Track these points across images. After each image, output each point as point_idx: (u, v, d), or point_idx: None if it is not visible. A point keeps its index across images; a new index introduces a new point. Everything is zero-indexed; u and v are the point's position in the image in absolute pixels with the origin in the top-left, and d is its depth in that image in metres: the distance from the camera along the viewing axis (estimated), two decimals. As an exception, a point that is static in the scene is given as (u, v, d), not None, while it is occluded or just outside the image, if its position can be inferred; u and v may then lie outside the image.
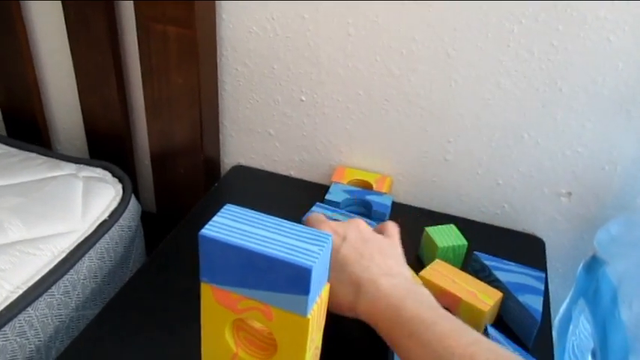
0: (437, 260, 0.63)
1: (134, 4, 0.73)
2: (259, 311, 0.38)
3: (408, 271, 0.53)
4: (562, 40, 0.65)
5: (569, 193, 0.75)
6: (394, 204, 0.75)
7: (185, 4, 0.69)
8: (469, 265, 0.66)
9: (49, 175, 0.78)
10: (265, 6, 0.73)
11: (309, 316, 0.37)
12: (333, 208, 0.70)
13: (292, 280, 0.35)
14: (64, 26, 0.81)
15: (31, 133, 0.94)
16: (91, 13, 0.77)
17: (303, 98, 0.79)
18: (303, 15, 0.73)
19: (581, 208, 0.75)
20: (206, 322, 0.41)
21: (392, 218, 0.73)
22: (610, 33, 0.64)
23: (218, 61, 0.79)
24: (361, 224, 0.56)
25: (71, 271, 0.66)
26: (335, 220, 0.59)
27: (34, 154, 0.84)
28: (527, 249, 0.74)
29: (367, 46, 0.72)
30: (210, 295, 0.39)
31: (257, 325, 0.42)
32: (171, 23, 0.71)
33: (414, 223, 0.71)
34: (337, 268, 0.50)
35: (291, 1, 0.72)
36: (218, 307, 0.39)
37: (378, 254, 0.52)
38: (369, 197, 0.74)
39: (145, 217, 0.84)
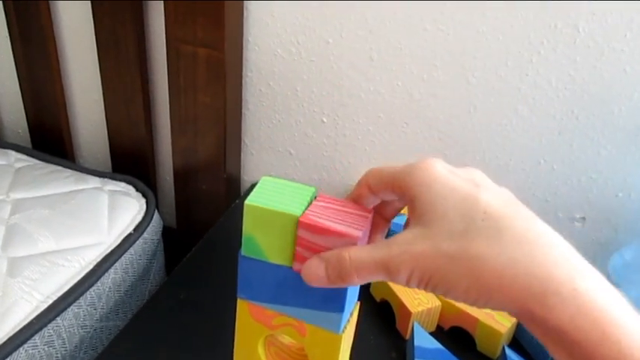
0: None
1: (165, 26, 0.75)
2: (293, 327, 0.40)
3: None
4: (579, 71, 0.68)
5: (583, 218, 0.76)
6: (411, 225, 0.77)
7: (215, 26, 0.72)
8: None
9: (76, 188, 0.80)
10: (291, 30, 0.76)
11: (341, 334, 0.38)
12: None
13: (327, 297, 0.37)
14: (95, 45, 0.84)
15: (56, 146, 0.96)
16: (122, 33, 0.80)
17: (325, 120, 0.81)
18: (327, 40, 0.75)
19: (595, 233, 0.77)
20: (240, 337, 0.42)
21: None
22: (626, 64, 0.66)
23: (243, 81, 0.82)
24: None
25: (97, 282, 0.68)
26: None
27: (60, 167, 0.87)
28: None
29: (389, 70, 0.75)
30: (246, 311, 0.41)
31: (287, 340, 0.43)
32: (200, 45, 0.74)
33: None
34: (479, 229, 0.29)
35: (316, 27, 0.75)
36: (253, 323, 0.41)
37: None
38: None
39: (165, 232, 0.86)
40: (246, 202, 0.36)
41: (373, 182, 0.35)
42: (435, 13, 0.69)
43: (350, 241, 0.34)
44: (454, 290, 0.29)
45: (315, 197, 0.38)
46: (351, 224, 0.35)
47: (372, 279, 0.33)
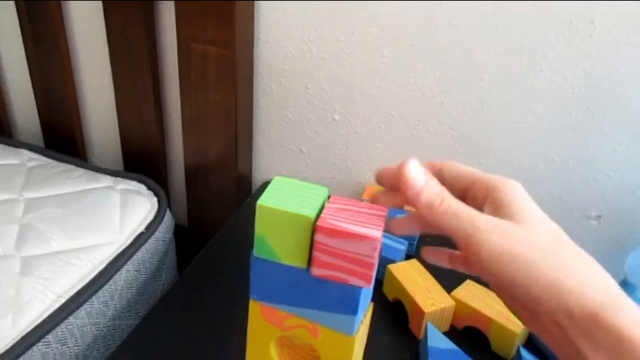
0: (468, 281, 0.64)
1: (176, 24, 0.75)
2: (305, 329, 0.39)
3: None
4: (594, 67, 0.67)
5: (599, 217, 0.75)
6: (424, 223, 0.76)
7: (226, 25, 0.72)
8: (500, 286, 0.66)
9: (88, 187, 0.81)
10: (302, 28, 0.76)
11: (355, 335, 0.38)
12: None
13: (341, 299, 0.37)
14: (106, 45, 0.84)
15: (68, 145, 0.97)
16: (133, 32, 0.80)
17: (336, 117, 0.81)
18: (339, 37, 0.75)
19: (611, 232, 0.75)
20: (252, 338, 0.42)
21: (422, 237, 0.74)
22: (643, 60, 0.65)
23: (254, 79, 0.81)
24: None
25: (110, 281, 0.68)
26: None
27: (72, 166, 0.87)
28: (556, 271, 0.74)
29: (401, 68, 0.74)
30: (258, 312, 0.40)
31: (299, 341, 0.43)
32: (211, 43, 0.74)
33: (443, 245, 0.72)
34: (563, 250, 0.32)
35: (327, 24, 0.74)
36: (265, 324, 0.41)
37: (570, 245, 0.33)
38: (400, 215, 0.75)
39: (177, 230, 0.86)
40: (259, 202, 0.36)
41: (449, 170, 0.37)
42: (447, 9, 0.68)
43: (371, 244, 0.34)
44: (533, 278, 0.31)
45: (328, 198, 0.38)
46: (369, 225, 0.35)
47: (452, 226, 0.33)
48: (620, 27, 0.64)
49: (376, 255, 0.34)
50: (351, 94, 0.78)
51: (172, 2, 0.74)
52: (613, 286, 0.31)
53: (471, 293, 0.62)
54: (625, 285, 0.69)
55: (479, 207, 0.34)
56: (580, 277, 0.31)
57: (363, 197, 0.80)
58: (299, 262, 0.36)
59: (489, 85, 0.71)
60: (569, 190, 0.74)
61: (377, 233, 0.33)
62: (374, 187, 0.82)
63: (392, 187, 0.38)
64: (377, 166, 0.81)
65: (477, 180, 0.35)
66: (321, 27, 0.75)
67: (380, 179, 0.38)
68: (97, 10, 0.83)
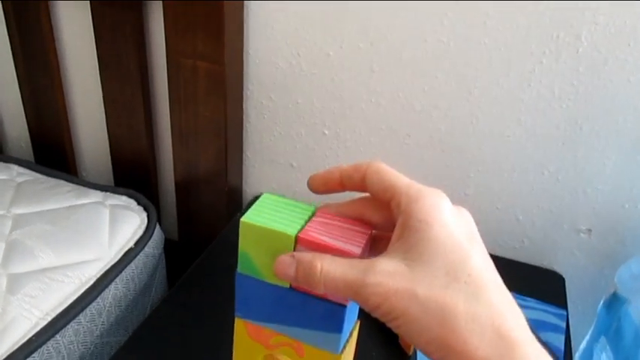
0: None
1: (166, 39, 0.75)
2: (291, 347, 0.39)
3: None
4: (582, 81, 0.67)
5: (590, 230, 0.75)
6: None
7: (215, 40, 0.72)
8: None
9: (77, 202, 0.80)
10: (292, 43, 0.76)
11: (341, 354, 0.37)
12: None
13: (326, 317, 0.36)
14: (97, 61, 0.84)
15: (58, 159, 0.96)
16: (123, 47, 0.80)
17: (326, 132, 0.81)
18: (328, 52, 0.75)
19: (602, 245, 0.75)
20: (238, 356, 0.42)
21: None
22: (630, 74, 0.65)
23: (244, 94, 0.81)
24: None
25: (98, 298, 0.67)
26: None
27: (61, 181, 0.86)
28: (546, 285, 0.74)
29: (390, 82, 0.74)
30: (243, 330, 0.40)
31: (286, 359, 0.42)
32: (200, 58, 0.74)
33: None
34: (459, 289, 0.29)
35: (316, 39, 0.74)
36: (250, 342, 0.40)
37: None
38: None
39: (167, 245, 0.85)
40: (242, 219, 0.36)
41: (370, 179, 0.35)
42: (435, 25, 0.69)
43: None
44: (416, 337, 0.30)
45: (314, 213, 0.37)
46: (350, 241, 0.34)
47: (339, 296, 0.32)
48: (606, 42, 0.64)
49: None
50: (340, 108, 0.78)
51: (162, 16, 0.74)
52: (513, 332, 0.29)
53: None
54: (615, 298, 0.69)
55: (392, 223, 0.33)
56: (466, 330, 0.28)
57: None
58: (282, 281, 0.36)
59: (478, 100, 0.72)
60: (559, 204, 0.74)
61: (357, 249, 0.33)
62: (364, 201, 0.82)
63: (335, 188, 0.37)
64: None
65: (393, 196, 0.33)
66: (311, 42, 0.75)
67: (320, 188, 0.37)
68: (87, 26, 0.83)
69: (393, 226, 0.33)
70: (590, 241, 0.75)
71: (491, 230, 0.79)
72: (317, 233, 0.34)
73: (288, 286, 0.36)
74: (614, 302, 0.69)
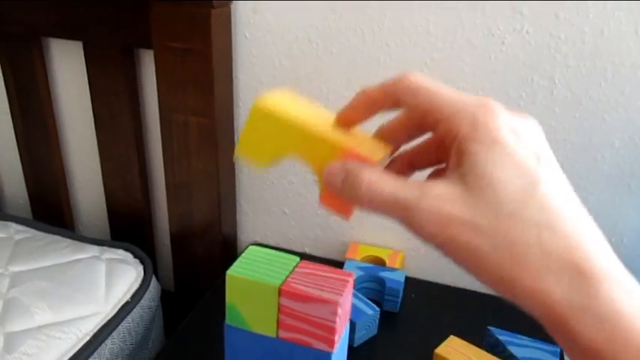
0: (451, 337, 0.64)
1: (158, 96, 0.78)
2: None
3: None
4: (559, 121, 0.69)
5: (579, 265, 0.76)
6: (407, 279, 0.77)
7: (205, 96, 0.75)
8: (483, 340, 0.66)
9: (74, 258, 0.81)
10: (279, 95, 0.79)
11: None
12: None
13: None
14: (92, 118, 0.87)
15: (56, 215, 0.98)
16: (118, 106, 0.83)
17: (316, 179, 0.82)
18: (314, 102, 0.78)
19: (592, 280, 0.76)
20: None
21: (406, 294, 0.74)
22: (604, 113, 0.68)
23: (235, 145, 0.84)
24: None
25: (94, 354, 0.68)
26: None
27: (58, 237, 0.88)
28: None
29: (375, 129, 0.76)
30: None
31: None
32: (192, 114, 0.77)
33: (427, 300, 0.72)
34: (530, 218, 0.26)
35: (302, 91, 0.77)
36: None
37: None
38: (383, 274, 0.76)
39: (164, 296, 0.86)
40: (228, 272, 0.37)
41: (407, 99, 0.30)
42: (416, 70, 0.72)
43: (331, 308, 0.35)
44: (483, 274, 0.26)
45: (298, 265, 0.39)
46: (331, 290, 0.36)
47: (384, 215, 0.28)
48: (579, 83, 0.67)
49: (337, 319, 0.35)
50: (329, 155, 0.80)
51: (154, 77, 0.77)
52: (594, 267, 0.25)
53: (455, 350, 0.62)
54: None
55: (447, 149, 0.28)
56: (540, 267, 0.24)
57: (346, 255, 0.80)
58: (268, 331, 0.37)
59: (461, 142, 0.74)
60: (546, 241, 0.76)
61: (337, 297, 0.35)
62: (357, 245, 0.83)
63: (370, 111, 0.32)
64: (359, 223, 0.83)
65: (439, 120, 0.28)
66: (298, 93, 0.78)
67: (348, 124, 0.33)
68: (83, 87, 0.86)
69: (440, 148, 0.29)
70: (581, 276, 0.76)
71: (483, 269, 0.80)
72: (299, 284, 0.36)
73: (274, 336, 0.37)
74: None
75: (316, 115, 0.34)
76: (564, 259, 0.25)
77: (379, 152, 0.31)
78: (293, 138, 0.32)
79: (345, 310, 0.36)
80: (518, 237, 0.25)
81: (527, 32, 0.66)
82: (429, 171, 0.34)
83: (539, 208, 0.25)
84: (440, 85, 0.29)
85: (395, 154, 0.34)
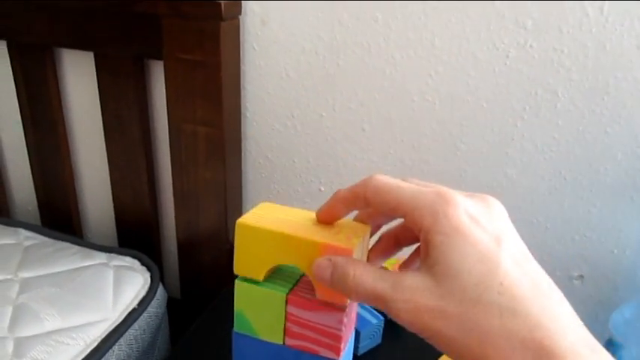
0: (444, 356, 0.65)
1: (167, 106, 0.80)
2: None
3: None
4: (562, 134, 0.70)
5: (581, 276, 0.77)
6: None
7: (214, 107, 0.76)
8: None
9: (82, 264, 0.82)
10: (286, 106, 0.80)
11: None
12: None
13: None
14: (102, 127, 0.88)
15: (64, 222, 0.99)
16: (127, 115, 0.85)
17: (322, 188, 0.84)
18: (321, 113, 0.79)
19: (595, 291, 0.77)
20: None
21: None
22: (607, 126, 0.69)
23: (242, 155, 0.85)
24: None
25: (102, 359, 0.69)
26: None
27: (67, 244, 0.89)
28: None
29: (380, 140, 0.78)
30: None
31: None
32: (200, 124, 0.78)
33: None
34: (492, 302, 0.28)
35: (309, 102, 0.79)
36: None
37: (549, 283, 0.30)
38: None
39: (170, 303, 0.87)
40: (237, 280, 0.38)
41: (374, 202, 0.32)
42: (420, 85, 0.73)
43: (337, 316, 0.36)
44: (454, 354, 0.28)
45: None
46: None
47: (368, 304, 0.32)
48: (582, 97, 0.68)
49: (342, 327, 0.36)
50: (335, 165, 0.82)
51: (163, 87, 0.79)
52: (557, 345, 0.26)
53: None
54: (611, 344, 0.70)
55: (413, 239, 0.33)
56: (506, 347, 0.26)
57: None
58: (275, 338, 0.38)
59: (465, 154, 0.75)
60: (549, 252, 0.76)
61: (343, 306, 0.35)
62: (362, 255, 0.84)
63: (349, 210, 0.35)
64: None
65: (404, 215, 0.31)
66: (304, 104, 0.79)
67: (328, 221, 0.36)
68: (93, 95, 0.88)
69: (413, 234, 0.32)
70: (583, 287, 0.77)
71: (487, 279, 0.81)
72: (306, 292, 0.37)
73: (281, 343, 0.38)
74: (610, 348, 0.70)
75: (296, 218, 0.37)
76: (527, 338, 0.26)
77: (355, 239, 0.34)
78: (277, 244, 0.35)
79: (350, 319, 0.37)
80: (482, 321, 0.27)
81: (530, 46, 0.67)
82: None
83: (499, 292, 0.27)
84: (401, 183, 0.32)
85: (382, 232, 0.38)
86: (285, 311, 0.37)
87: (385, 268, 0.32)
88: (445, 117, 0.74)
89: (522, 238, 0.71)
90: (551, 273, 0.80)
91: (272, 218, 0.37)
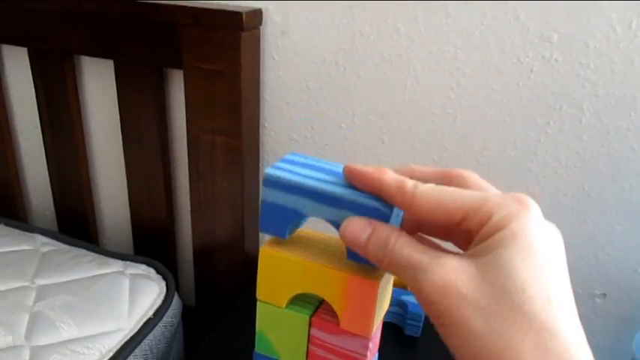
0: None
1: (186, 115, 0.79)
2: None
3: None
4: (587, 149, 0.69)
5: (604, 295, 0.75)
6: (429, 304, 0.77)
7: (232, 117, 0.76)
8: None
9: (98, 272, 0.82)
10: (305, 116, 0.80)
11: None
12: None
13: None
14: (120, 134, 0.88)
15: (81, 229, 1.00)
16: (145, 123, 0.84)
17: (340, 200, 0.83)
18: (340, 125, 0.78)
19: (617, 309, 0.75)
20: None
21: (428, 318, 0.74)
22: (633, 142, 0.67)
23: (260, 165, 0.85)
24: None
25: (117, 370, 0.68)
26: None
27: (83, 251, 0.89)
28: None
29: (400, 152, 0.77)
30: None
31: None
32: (219, 133, 0.78)
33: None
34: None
35: (329, 112, 0.78)
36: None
37: None
38: (405, 297, 0.76)
39: (185, 311, 0.86)
40: (258, 298, 0.37)
41: (426, 205, 0.30)
42: (441, 98, 0.72)
43: (363, 342, 0.35)
44: (464, 349, 0.27)
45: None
46: None
47: (396, 274, 0.30)
48: (608, 112, 0.67)
49: (368, 353, 0.35)
50: (353, 177, 0.81)
51: (182, 96, 0.79)
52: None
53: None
54: (634, 366, 0.68)
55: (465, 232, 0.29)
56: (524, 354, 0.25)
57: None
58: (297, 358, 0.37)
59: (487, 168, 0.74)
60: (571, 269, 0.74)
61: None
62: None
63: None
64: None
65: (464, 218, 0.29)
66: (323, 115, 0.79)
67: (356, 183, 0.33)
68: (112, 102, 0.88)
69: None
70: (606, 305, 0.75)
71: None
72: (330, 315, 0.36)
73: (304, 365, 0.37)
74: (634, 370, 0.68)
75: (321, 244, 0.37)
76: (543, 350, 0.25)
77: (381, 270, 0.34)
78: (300, 273, 0.35)
79: (375, 343, 0.37)
80: (517, 327, 0.25)
81: (556, 60, 0.66)
82: None
83: (543, 307, 0.26)
84: (458, 193, 0.31)
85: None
86: (309, 334, 0.36)
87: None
88: (466, 131, 0.73)
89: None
90: (573, 290, 0.78)
91: (296, 245, 0.36)
